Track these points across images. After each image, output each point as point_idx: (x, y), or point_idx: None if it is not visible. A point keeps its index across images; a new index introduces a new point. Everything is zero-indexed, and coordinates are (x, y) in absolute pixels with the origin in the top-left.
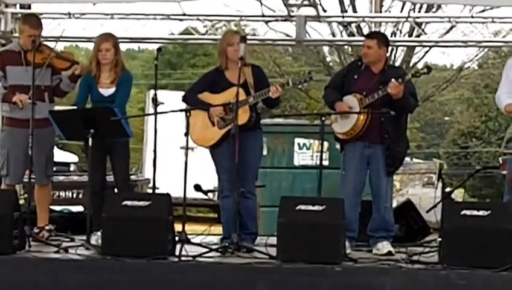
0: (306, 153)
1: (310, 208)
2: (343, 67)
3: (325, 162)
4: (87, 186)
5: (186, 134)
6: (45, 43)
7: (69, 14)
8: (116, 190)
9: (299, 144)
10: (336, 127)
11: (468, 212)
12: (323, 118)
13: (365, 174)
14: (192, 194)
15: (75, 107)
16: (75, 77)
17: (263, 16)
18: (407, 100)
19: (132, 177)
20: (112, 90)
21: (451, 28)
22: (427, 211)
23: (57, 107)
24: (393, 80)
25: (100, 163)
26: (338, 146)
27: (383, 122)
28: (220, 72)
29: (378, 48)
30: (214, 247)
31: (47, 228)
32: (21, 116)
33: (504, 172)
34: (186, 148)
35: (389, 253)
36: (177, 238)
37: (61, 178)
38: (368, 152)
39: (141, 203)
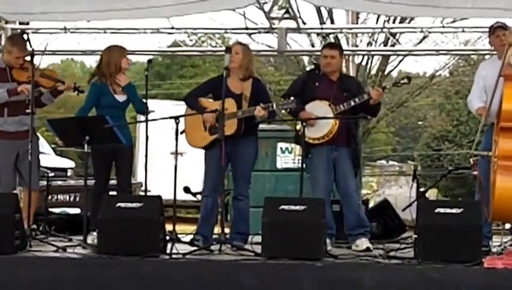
0: (288, 157)
1: (293, 207)
2: (301, 76)
3: None
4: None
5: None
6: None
7: (65, 29)
8: (116, 192)
9: (281, 148)
10: (308, 133)
11: (441, 210)
12: (304, 123)
13: (333, 176)
14: (181, 196)
15: (77, 115)
16: (57, 92)
17: (246, 28)
18: (379, 106)
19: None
20: (125, 96)
21: (424, 37)
22: (403, 210)
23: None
24: (371, 88)
25: (106, 167)
26: (299, 150)
27: (350, 127)
28: (223, 78)
29: (340, 57)
30: (202, 245)
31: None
32: (10, 129)
33: (475, 172)
34: (176, 153)
35: (368, 249)
36: (168, 237)
37: (59, 182)
38: (334, 155)
39: (134, 205)
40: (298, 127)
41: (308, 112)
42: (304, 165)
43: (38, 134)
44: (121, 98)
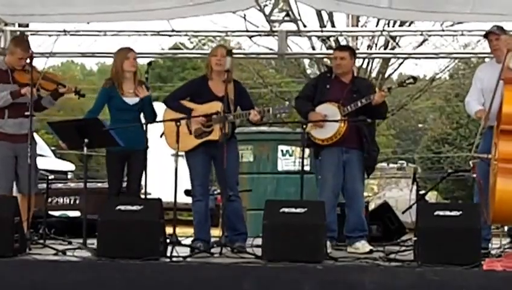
0: (289, 159)
1: (293, 210)
2: (313, 79)
3: (307, 168)
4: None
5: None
6: (34, 62)
7: (64, 31)
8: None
9: (282, 150)
10: (315, 134)
11: (441, 212)
12: (304, 126)
13: (342, 178)
14: (182, 199)
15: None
16: (58, 94)
17: (247, 31)
18: (385, 107)
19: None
20: (137, 99)
21: (424, 41)
22: (403, 212)
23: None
24: (378, 89)
25: (120, 170)
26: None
27: (360, 128)
28: (205, 81)
29: (350, 59)
30: (202, 248)
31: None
32: (10, 131)
33: (474, 175)
34: (177, 155)
35: (371, 251)
36: (168, 240)
37: (59, 185)
38: (344, 157)
39: (134, 207)
40: (308, 129)
41: (317, 113)
42: (310, 167)
43: (37, 136)
44: (131, 100)
